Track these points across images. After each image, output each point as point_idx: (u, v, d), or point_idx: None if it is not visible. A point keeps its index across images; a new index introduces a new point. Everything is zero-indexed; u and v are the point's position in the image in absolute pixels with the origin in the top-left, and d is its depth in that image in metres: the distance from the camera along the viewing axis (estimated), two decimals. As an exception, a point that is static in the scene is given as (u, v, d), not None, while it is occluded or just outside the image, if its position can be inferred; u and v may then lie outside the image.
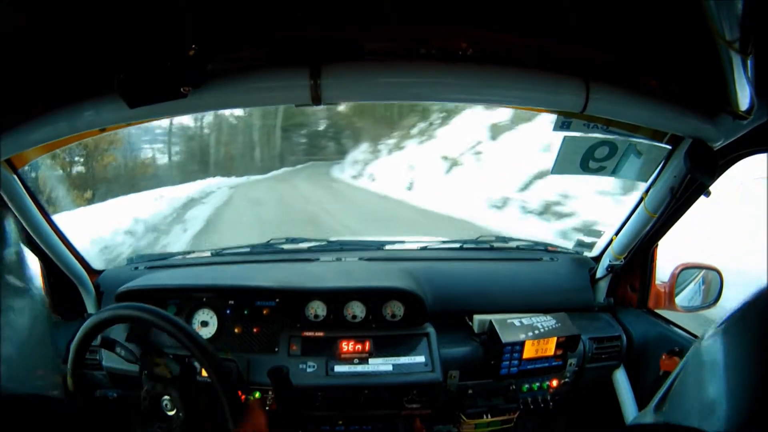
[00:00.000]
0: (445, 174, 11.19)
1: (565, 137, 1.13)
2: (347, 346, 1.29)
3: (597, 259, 1.57)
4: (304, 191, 13.29)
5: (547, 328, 1.30)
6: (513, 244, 1.77)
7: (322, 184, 14.96)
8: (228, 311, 1.34)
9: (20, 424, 0.53)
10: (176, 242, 7.60)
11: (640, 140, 1.13)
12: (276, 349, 1.29)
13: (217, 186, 14.47)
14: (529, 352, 1.29)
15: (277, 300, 1.34)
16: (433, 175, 11.29)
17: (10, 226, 0.61)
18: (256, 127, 22.09)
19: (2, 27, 0.68)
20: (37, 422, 0.55)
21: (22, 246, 0.66)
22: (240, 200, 12.18)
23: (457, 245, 1.74)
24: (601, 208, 6.40)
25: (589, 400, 1.53)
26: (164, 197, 10.42)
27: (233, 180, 16.57)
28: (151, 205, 9.52)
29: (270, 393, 1.22)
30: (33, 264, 1.32)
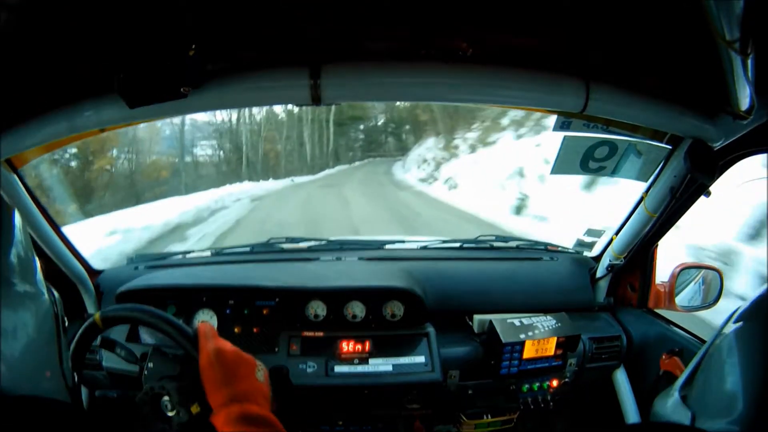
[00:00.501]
0: (583, 190, 6.89)
1: (565, 137, 1.12)
2: (347, 346, 1.29)
3: (597, 258, 1.57)
4: (357, 207, 9.15)
5: (547, 328, 1.30)
6: (513, 244, 1.77)
7: (382, 193, 11.41)
8: (228, 311, 1.34)
9: (19, 425, 0.53)
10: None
11: (640, 140, 1.13)
12: (276, 349, 1.29)
13: (237, 197, 10.82)
14: (529, 352, 1.29)
15: (277, 300, 1.34)
16: (561, 189, 7.15)
17: (16, 222, 0.61)
18: (306, 121, 19.86)
19: (2, 27, 0.68)
20: (36, 422, 0.55)
21: (30, 243, 0.66)
22: (248, 231, 7.87)
23: (457, 245, 1.74)
24: None
25: (589, 400, 1.53)
26: (131, 230, 6.93)
27: (267, 185, 13.52)
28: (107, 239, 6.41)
29: (270, 393, 1.22)
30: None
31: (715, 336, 0.51)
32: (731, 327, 0.48)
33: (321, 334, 1.32)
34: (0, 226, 0.62)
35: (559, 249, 1.71)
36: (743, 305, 0.48)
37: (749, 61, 0.68)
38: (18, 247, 0.61)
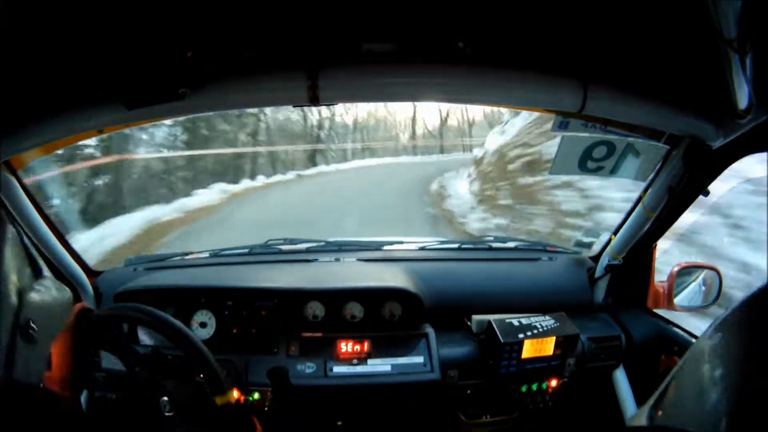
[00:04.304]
0: None
1: (563, 137, 1.13)
2: (346, 347, 1.29)
3: (596, 258, 1.57)
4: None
5: (545, 328, 1.30)
6: (511, 244, 1.77)
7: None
8: (226, 312, 1.34)
9: (24, 418, 0.53)
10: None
11: (638, 140, 1.13)
12: (275, 350, 1.29)
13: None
14: (527, 351, 1.28)
15: (276, 301, 1.34)
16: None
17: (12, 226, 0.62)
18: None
19: (1, 30, 0.68)
20: (39, 419, 0.55)
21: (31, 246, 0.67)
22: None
23: (456, 245, 1.74)
24: None
25: (588, 400, 1.53)
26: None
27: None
28: None
29: (269, 394, 1.22)
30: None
31: (691, 349, 0.50)
32: (706, 338, 0.47)
33: (320, 334, 1.32)
34: (3, 231, 0.62)
35: (558, 249, 1.71)
36: (722, 315, 0.47)
37: (747, 60, 0.68)
38: (20, 249, 0.61)
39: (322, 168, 15.35)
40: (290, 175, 13.58)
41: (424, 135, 22.54)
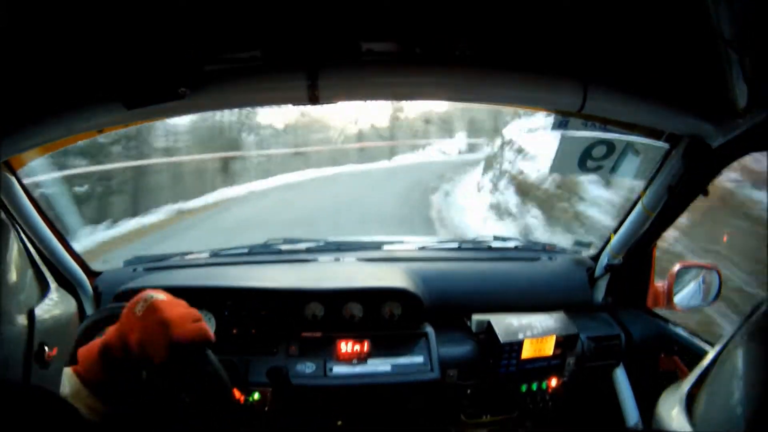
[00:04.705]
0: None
1: (563, 136, 1.13)
2: (346, 347, 1.29)
3: (595, 258, 1.57)
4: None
5: (545, 328, 1.30)
6: (511, 244, 1.77)
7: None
8: (226, 312, 1.34)
9: (27, 417, 0.53)
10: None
11: (638, 139, 1.13)
12: (275, 350, 1.29)
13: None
14: (527, 351, 1.29)
15: (276, 301, 1.34)
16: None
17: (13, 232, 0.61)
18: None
19: (1, 30, 0.68)
20: (41, 418, 0.55)
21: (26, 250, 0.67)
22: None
23: (455, 245, 1.75)
24: None
25: (588, 400, 1.53)
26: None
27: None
28: None
29: (269, 394, 1.22)
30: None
31: (728, 341, 0.49)
32: (744, 333, 0.46)
33: (319, 334, 1.32)
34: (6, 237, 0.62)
35: (558, 249, 1.72)
36: (761, 309, 0.46)
37: (747, 59, 0.69)
38: (17, 254, 0.61)
39: (224, 193, 9.40)
40: (161, 213, 7.79)
41: (369, 134, 17.24)
